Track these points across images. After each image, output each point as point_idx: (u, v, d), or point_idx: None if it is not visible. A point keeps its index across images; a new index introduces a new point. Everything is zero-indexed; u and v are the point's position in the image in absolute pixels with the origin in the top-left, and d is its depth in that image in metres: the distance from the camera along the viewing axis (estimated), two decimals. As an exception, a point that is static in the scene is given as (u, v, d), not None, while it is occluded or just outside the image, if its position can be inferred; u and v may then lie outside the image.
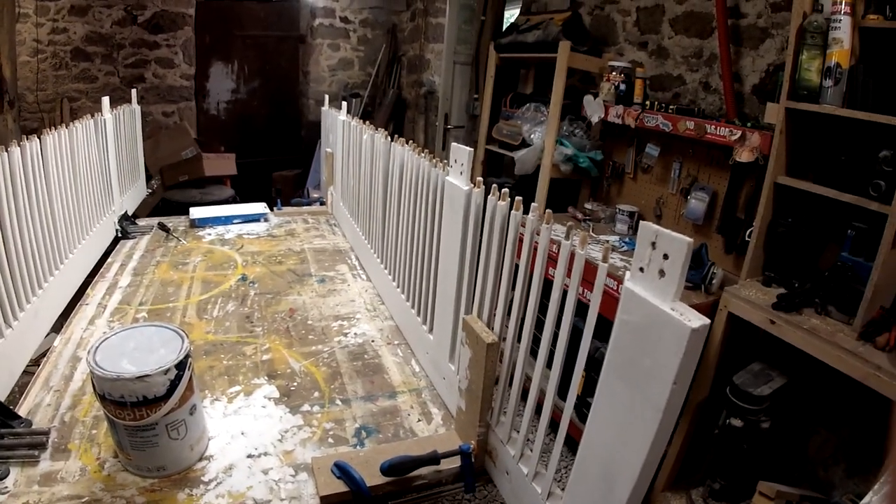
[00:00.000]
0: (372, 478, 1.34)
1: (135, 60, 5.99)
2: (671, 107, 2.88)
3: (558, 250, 1.10)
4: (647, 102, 3.03)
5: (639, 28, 3.42)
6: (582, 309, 1.06)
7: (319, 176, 4.71)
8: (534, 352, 1.25)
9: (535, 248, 1.18)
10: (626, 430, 0.93)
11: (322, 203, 3.68)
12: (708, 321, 0.79)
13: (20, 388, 1.68)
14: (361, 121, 2.60)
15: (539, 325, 1.21)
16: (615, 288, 2.35)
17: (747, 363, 2.31)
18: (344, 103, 3.14)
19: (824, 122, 2.14)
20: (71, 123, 2.27)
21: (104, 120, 2.70)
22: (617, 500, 0.96)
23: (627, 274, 0.90)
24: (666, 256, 0.82)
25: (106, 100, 2.81)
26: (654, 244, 0.84)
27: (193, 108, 6.40)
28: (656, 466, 0.92)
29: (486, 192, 1.36)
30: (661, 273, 0.83)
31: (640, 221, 0.86)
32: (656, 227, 0.83)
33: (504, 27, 4.64)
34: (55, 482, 1.31)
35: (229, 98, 6.72)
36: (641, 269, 0.87)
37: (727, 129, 2.51)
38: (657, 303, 0.84)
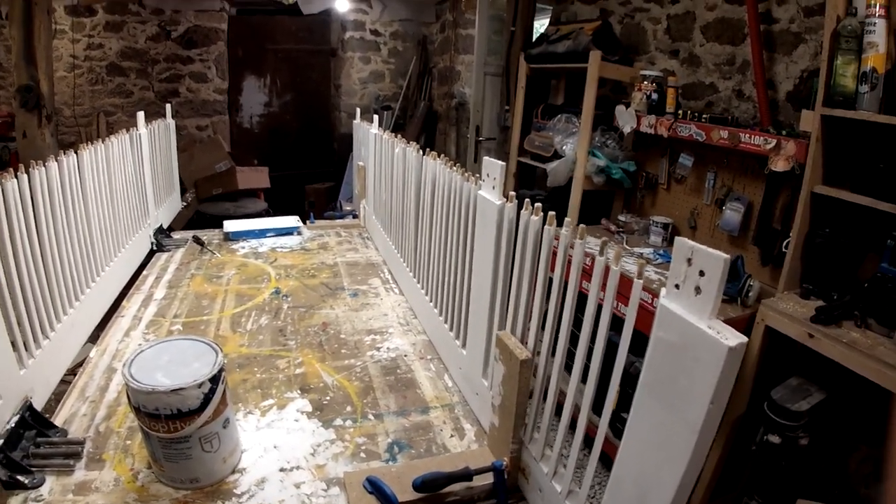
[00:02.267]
0: (404, 493, 1.33)
1: (169, 75, 6.10)
2: (704, 116, 2.85)
3: (592, 264, 1.09)
4: (680, 112, 3.01)
5: (670, 36, 3.40)
6: (616, 323, 1.05)
7: (352, 189, 4.73)
8: (568, 367, 1.23)
9: (569, 263, 1.17)
10: (660, 451, 0.91)
11: (354, 216, 3.70)
12: (745, 339, 0.77)
13: (56, 398, 1.70)
14: (393, 133, 2.61)
15: (573, 339, 1.20)
16: (650, 301, 2.33)
17: (785, 378, 2.27)
18: (375, 116, 3.16)
19: (861, 128, 2.10)
20: (107, 138, 2.31)
21: (139, 134, 2.74)
22: (652, 521, 0.95)
23: (663, 291, 0.88)
24: (702, 273, 0.80)
25: (141, 115, 2.85)
26: (689, 260, 0.82)
27: (227, 121, 6.50)
28: (693, 487, 0.90)
29: (519, 207, 1.36)
30: (698, 290, 0.81)
31: (676, 237, 0.85)
32: (692, 242, 0.81)
33: (534, 38, 4.64)
34: (89, 492, 1.32)
35: (262, 112, 6.81)
36: (677, 286, 0.85)
37: (762, 138, 2.48)
38: (693, 320, 0.82)
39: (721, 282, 0.78)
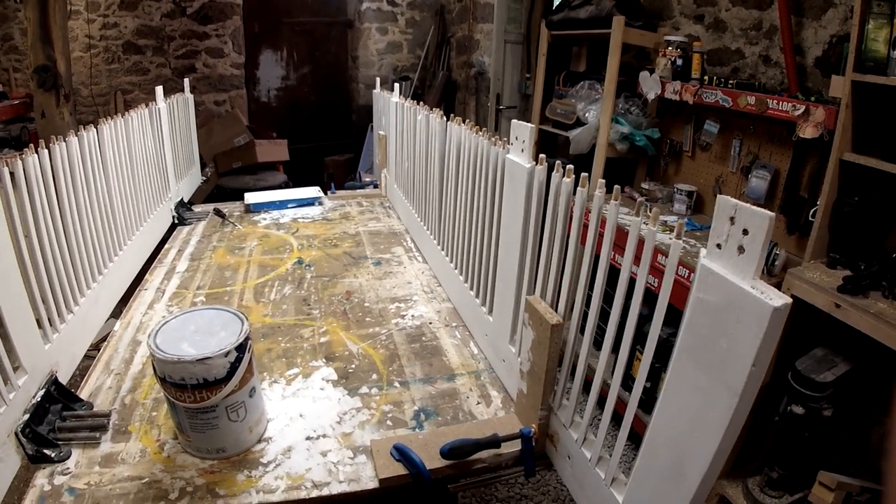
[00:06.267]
0: (432, 460, 1.32)
1: (185, 51, 6.08)
2: (730, 82, 2.80)
3: (623, 231, 1.07)
4: (705, 78, 2.95)
5: (694, 0, 3.32)
6: (646, 296, 1.03)
7: (371, 159, 4.72)
8: (597, 342, 1.22)
9: (602, 227, 1.15)
10: (699, 414, 0.89)
11: (375, 186, 3.69)
12: (790, 300, 0.75)
13: (81, 372, 1.71)
14: (414, 102, 2.58)
15: (603, 313, 1.18)
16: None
17: (810, 348, 2.25)
18: (396, 85, 3.13)
19: (893, 95, 2.05)
20: (126, 113, 2.30)
21: (158, 109, 2.73)
22: (686, 488, 0.93)
23: (703, 251, 0.86)
24: (746, 232, 0.78)
25: (159, 89, 2.84)
26: (732, 219, 0.80)
27: (244, 95, 6.48)
28: (729, 453, 0.89)
29: (550, 170, 1.33)
30: (741, 249, 0.79)
31: (718, 195, 0.82)
32: (735, 200, 0.79)
33: (555, 4, 4.57)
34: (116, 463, 1.33)
35: (279, 85, 6.78)
36: (718, 246, 0.83)
37: (790, 104, 2.43)
38: (736, 280, 0.80)
39: (766, 240, 0.75)
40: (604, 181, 1.13)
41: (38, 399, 1.41)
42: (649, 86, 3.16)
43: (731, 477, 2.50)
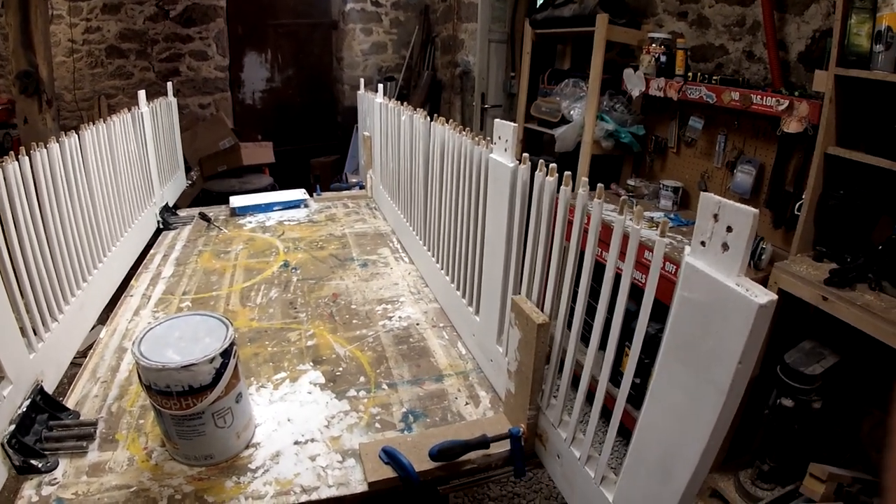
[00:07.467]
0: (421, 463, 1.32)
1: (169, 55, 6.06)
2: (714, 78, 2.81)
3: (609, 228, 1.07)
4: (689, 74, 2.96)
5: (677, -3, 3.34)
6: (631, 291, 1.03)
7: (357, 161, 4.71)
8: (584, 338, 1.21)
9: (587, 224, 1.14)
10: (686, 413, 0.89)
11: (361, 187, 3.68)
12: (775, 297, 0.75)
13: (68, 380, 1.69)
14: (398, 102, 2.57)
15: (590, 308, 1.18)
16: (661, 266, 2.31)
17: (798, 341, 2.26)
18: (380, 86, 3.12)
19: (876, 88, 2.06)
20: (108, 118, 2.28)
21: (141, 113, 2.71)
22: (675, 486, 0.93)
23: (687, 249, 0.86)
24: (730, 229, 0.78)
25: (142, 93, 2.82)
26: (716, 216, 0.79)
27: (229, 98, 6.46)
28: (718, 450, 0.89)
29: (533, 169, 1.33)
30: (725, 247, 0.79)
31: (702, 193, 0.82)
32: (719, 198, 0.78)
33: (539, 2, 4.58)
34: (103, 472, 1.31)
35: (264, 87, 6.77)
36: (703, 243, 0.83)
37: (774, 99, 2.44)
38: (721, 278, 0.80)
39: (750, 237, 0.75)
40: (587, 179, 1.13)
41: (24, 409, 1.39)
42: (633, 83, 3.16)
43: (722, 470, 2.50)
